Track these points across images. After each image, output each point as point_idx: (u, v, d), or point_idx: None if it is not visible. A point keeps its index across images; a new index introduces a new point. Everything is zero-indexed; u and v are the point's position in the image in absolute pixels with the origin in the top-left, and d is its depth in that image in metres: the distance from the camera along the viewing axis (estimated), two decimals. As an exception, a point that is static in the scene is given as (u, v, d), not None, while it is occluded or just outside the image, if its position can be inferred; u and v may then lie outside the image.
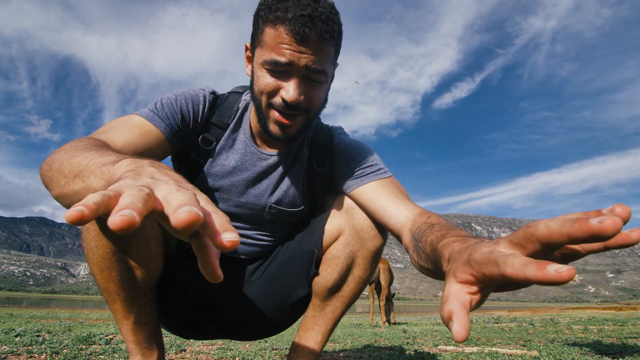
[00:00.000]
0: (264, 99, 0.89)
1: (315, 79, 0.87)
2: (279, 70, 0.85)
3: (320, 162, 1.08)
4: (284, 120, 0.89)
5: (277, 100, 0.88)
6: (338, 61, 0.97)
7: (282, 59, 0.82)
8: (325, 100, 0.95)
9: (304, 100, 0.88)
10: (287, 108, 0.88)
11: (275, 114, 0.90)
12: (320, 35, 0.82)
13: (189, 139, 1.00)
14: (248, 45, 0.95)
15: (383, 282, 7.49)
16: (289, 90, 0.85)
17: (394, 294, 8.11)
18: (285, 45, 0.82)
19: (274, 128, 0.92)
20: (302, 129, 0.95)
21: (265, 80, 0.87)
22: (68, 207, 0.67)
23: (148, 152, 0.87)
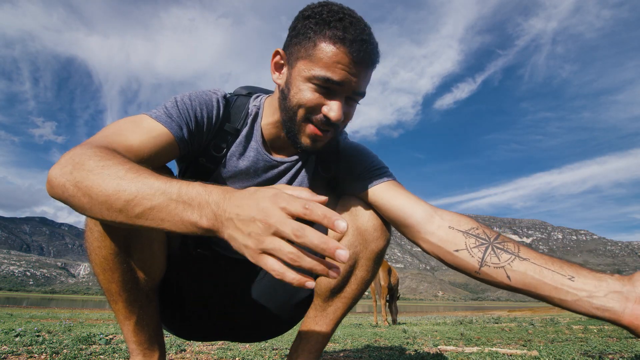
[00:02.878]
0: (301, 112, 0.89)
1: (356, 99, 0.91)
2: (327, 87, 0.86)
3: (326, 167, 1.09)
4: (320, 134, 0.91)
5: (319, 116, 0.89)
6: None
7: (336, 78, 0.84)
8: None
9: (342, 119, 0.91)
10: (327, 125, 0.90)
11: (311, 128, 0.90)
12: (372, 61, 0.87)
13: (199, 145, 0.99)
14: (282, 52, 0.94)
15: (383, 282, 7.73)
16: (334, 109, 0.86)
17: (399, 295, 8.32)
18: (342, 66, 0.83)
19: (305, 141, 0.93)
20: (330, 142, 0.96)
21: (309, 94, 0.87)
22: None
23: (157, 157, 0.86)
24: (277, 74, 0.95)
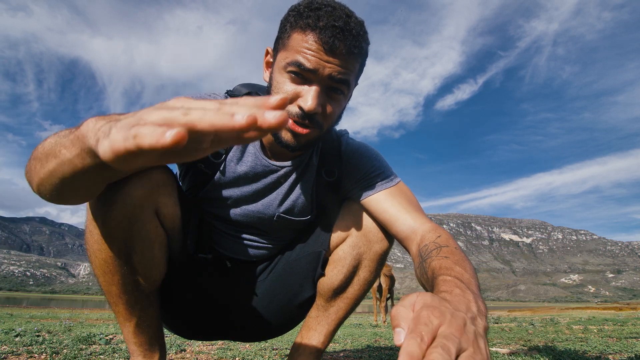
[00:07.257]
0: None
1: (337, 88, 0.86)
2: (301, 76, 0.83)
3: (330, 171, 1.07)
4: (298, 129, 0.85)
5: (293, 109, 0.84)
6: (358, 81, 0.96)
7: (307, 64, 0.81)
8: (340, 116, 0.94)
9: (321, 114, 0.86)
10: (303, 118, 0.85)
11: (289, 122, 0.86)
12: (349, 49, 0.82)
13: None
14: (270, 49, 0.94)
15: (384, 285, 7.99)
16: (308, 99, 0.82)
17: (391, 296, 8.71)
18: (312, 52, 0.81)
19: (286, 135, 0.88)
20: (314, 141, 0.92)
21: (285, 87, 0.85)
22: (50, 193, 0.64)
23: None
24: (267, 72, 0.96)
